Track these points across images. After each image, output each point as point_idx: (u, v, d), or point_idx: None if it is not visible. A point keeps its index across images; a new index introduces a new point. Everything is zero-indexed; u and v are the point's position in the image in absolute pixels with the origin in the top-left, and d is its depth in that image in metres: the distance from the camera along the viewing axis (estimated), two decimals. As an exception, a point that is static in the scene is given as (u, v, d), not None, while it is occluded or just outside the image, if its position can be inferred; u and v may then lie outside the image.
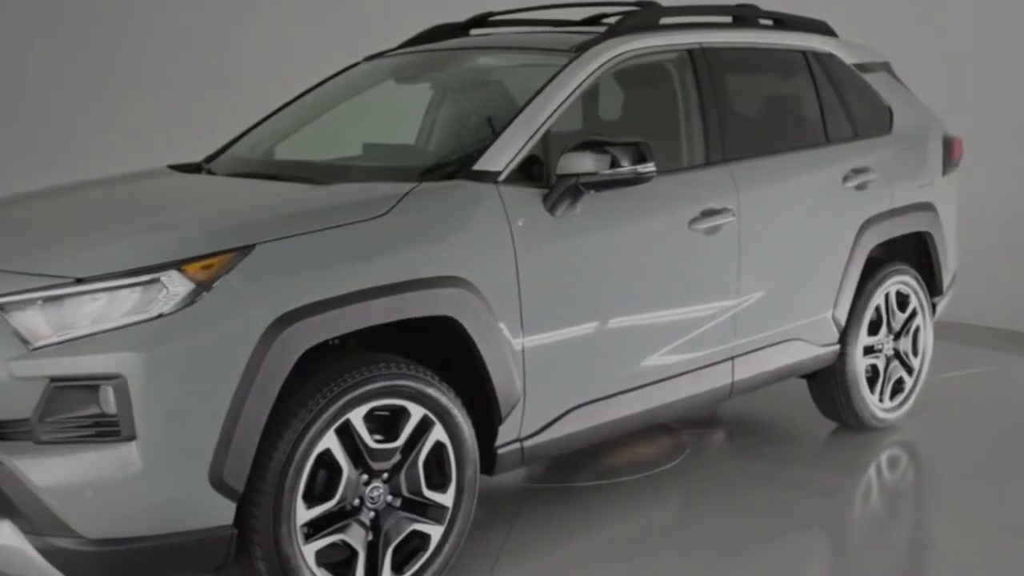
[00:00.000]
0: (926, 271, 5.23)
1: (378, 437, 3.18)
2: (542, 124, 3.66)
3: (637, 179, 3.58)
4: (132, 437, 2.74)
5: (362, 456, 3.14)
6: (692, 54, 4.24)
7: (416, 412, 3.23)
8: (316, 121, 4.48)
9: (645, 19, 4.21)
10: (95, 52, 7.41)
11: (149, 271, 2.84)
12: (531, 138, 3.62)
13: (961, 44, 7.49)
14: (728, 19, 4.68)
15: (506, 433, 3.52)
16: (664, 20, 4.28)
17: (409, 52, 4.66)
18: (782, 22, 4.87)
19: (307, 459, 3.01)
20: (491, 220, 3.42)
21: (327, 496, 3.09)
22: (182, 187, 3.84)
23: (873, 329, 4.93)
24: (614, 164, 3.51)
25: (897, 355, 5.08)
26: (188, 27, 7.66)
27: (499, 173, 3.52)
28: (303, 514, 3.03)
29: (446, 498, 3.35)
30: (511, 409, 3.49)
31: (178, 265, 2.85)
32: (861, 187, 4.73)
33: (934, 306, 5.30)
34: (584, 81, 3.85)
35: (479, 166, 3.54)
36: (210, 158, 4.39)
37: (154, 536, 2.81)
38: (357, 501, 3.15)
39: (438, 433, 3.29)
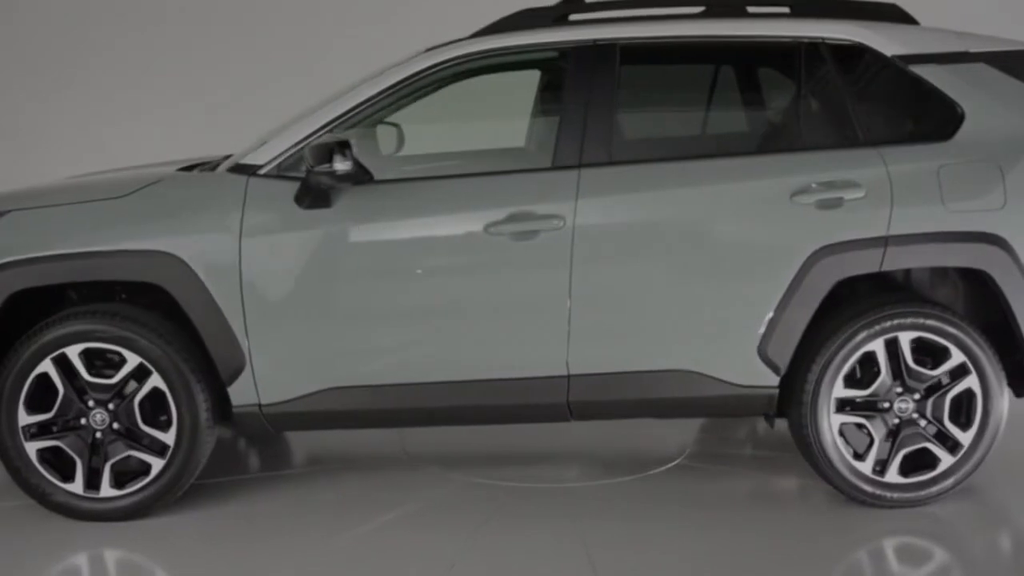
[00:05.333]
0: (1003, 321, 4.02)
1: (107, 372, 3.96)
2: (328, 123, 3.98)
3: (346, 176, 3.77)
4: None
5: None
6: (574, 52, 4.00)
7: (132, 359, 3.93)
8: None
9: (527, 18, 4.12)
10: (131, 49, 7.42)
11: None
12: (310, 136, 3.97)
13: None
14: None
15: (240, 396, 3.98)
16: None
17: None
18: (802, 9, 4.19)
19: (26, 377, 3.94)
20: (222, 208, 3.91)
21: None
22: (113, 177, 4.79)
23: (865, 382, 4.02)
24: (330, 160, 3.74)
25: (927, 420, 4.03)
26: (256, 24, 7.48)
27: (261, 167, 3.97)
28: (24, 418, 3.96)
29: (167, 437, 3.98)
30: (235, 376, 3.94)
31: None
32: (829, 204, 3.91)
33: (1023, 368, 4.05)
34: (403, 83, 4.01)
35: (245, 160, 4.03)
36: None
37: None
38: (84, 420, 3.97)
39: (156, 380, 3.94)
